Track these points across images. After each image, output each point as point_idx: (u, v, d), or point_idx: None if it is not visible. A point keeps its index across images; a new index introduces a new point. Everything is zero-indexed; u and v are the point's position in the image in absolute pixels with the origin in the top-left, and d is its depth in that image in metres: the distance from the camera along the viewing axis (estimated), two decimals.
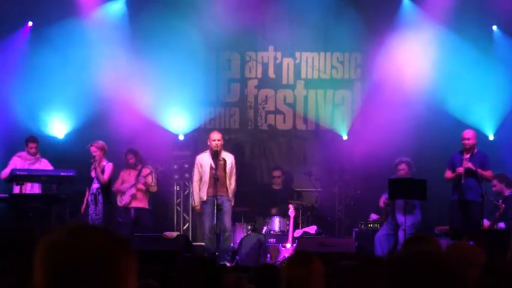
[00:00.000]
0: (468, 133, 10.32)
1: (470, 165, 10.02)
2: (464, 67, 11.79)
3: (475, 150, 10.24)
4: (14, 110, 11.92)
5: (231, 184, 10.67)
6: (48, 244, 1.57)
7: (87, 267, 1.53)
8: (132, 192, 11.15)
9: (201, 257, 4.18)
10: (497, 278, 2.96)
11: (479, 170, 10.02)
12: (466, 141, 10.20)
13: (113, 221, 10.87)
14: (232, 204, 10.77)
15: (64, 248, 1.55)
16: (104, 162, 10.72)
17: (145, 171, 11.25)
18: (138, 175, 11.21)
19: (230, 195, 10.65)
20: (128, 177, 11.25)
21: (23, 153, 11.11)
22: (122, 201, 11.19)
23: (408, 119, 11.66)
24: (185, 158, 12.29)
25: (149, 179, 11.20)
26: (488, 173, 10.19)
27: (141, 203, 11.23)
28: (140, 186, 11.17)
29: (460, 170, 10.04)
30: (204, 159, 10.66)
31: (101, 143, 10.77)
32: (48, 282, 1.54)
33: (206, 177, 10.58)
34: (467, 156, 10.16)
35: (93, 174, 10.68)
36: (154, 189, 11.34)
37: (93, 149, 10.66)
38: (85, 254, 1.54)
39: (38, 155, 11.16)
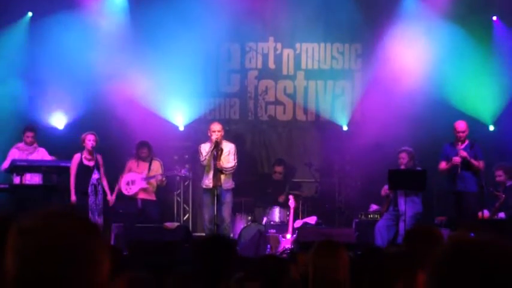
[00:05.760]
0: (462, 125, 10.30)
1: (465, 154, 10.03)
2: (464, 57, 11.78)
3: (467, 141, 10.25)
4: (13, 101, 11.89)
5: (225, 165, 10.48)
6: (18, 229, 1.59)
7: (56, 252, 1.56)
8: (144, 185, 11.17)
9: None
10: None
11: (472, 160, 10.05)
12: (462, 134, 10.21)
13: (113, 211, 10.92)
14: (229, 185, 10.63)
15: (33, 232, 1.57)
16: (98, 155, 10.64)
17: (156, 164, 11.28)
18: (149, 168, 11.22)
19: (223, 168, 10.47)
20: (136, 168, 11.24)
21: (21, 144, 11.07)
22: (129, 190, 11.17)
23: (408, 109, 11.65)
24: (185, 149, 12.30)
25: (162, 177, 11.27)
26: (480, 164, 10.17)
27: (150, 195, 11.28)
28: (153, 181, 11.22)
29: (457, 159, 10.04)
30: (206, 149, 10.63)
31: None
32: (18, 266, 1.57)
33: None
34: (462, 146, 10.18)
35: (86, 162, 10.57)
36: (164, 183, 11.40)
37: (94, 138, 10.54)
38: (54, 238, 1.57)
39: (35, 144, 11.11)
